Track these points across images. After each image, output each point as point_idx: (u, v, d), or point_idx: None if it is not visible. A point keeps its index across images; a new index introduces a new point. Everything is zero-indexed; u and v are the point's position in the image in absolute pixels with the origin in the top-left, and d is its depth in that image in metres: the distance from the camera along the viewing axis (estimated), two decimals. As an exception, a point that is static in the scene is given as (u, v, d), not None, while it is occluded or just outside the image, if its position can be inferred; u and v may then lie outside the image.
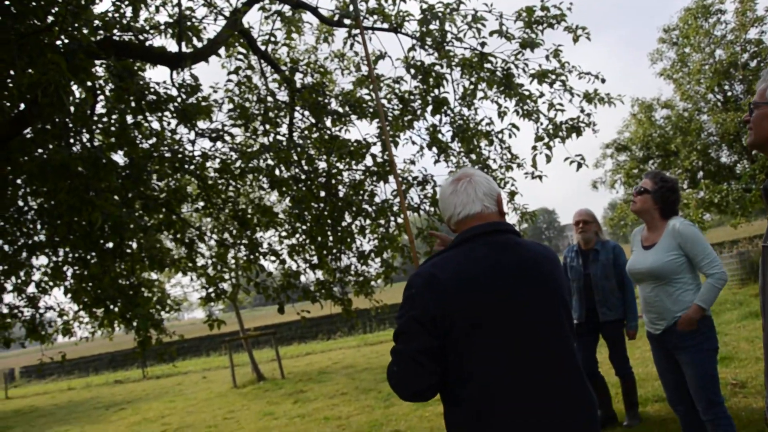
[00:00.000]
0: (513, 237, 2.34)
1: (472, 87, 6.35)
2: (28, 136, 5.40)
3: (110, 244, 5.76)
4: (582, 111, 6.42)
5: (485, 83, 6.27)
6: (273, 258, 6.55)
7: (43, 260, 7.42)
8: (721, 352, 8.30)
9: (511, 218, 7.04)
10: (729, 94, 17.95)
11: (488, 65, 6.21)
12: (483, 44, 6.18)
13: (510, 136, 6.59)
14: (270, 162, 6.16)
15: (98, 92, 5.33)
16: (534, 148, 6.33)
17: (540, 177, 6.63)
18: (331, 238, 6.42)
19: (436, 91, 6.20)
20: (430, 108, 6.20)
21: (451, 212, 2.40)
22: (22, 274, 6.96)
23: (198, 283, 6.83)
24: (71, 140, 5.54)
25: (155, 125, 5.49)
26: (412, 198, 6.64)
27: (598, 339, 6.25)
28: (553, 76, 6.23)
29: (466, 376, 2.15)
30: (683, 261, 4.33)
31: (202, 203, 6.49)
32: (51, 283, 6.55)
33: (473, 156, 6.76)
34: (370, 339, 23.26)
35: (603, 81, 6.26)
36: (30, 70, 3.89)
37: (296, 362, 19.71)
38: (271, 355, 20.54)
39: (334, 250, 6.61)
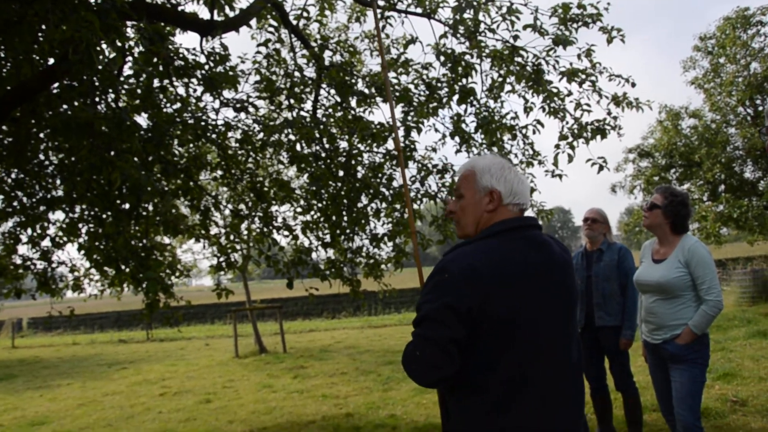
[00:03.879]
0: (541, 234, 2.36)
1: (500, 79, 6.30)
2: (54, 91, 5.42)
3: (126, 205, 5.79)
4: (609, 113, 6.35)
5: (514, 77, 6.22)
6: (286, 233, 6.57)
7: (59, 215, 7.48)
8: (725, 369, 8.24)
9: (527, 215, 7.00)
10: (760, 108, 17.64)
11: (519, 59, 6.15)
12: (516, 37, 6.12)
13: (534, 132, 6.53)
14: (292, 137, 6.16)
15: (127, 54, 5.33)
16: (557, 146, 6.28)
17: (560, 176, 6.58)
18: (345, 218, 6.42)
19: (464, 81, 6.15)
20: (456, 97, 6.16)
21: (512, 197, 2.34)
22: (37, 227, 7.03)
23: (209, 251, 6.89)
24: (96, 99, 5.56)
25: (180, 91, 5.49)
26: (429, 185, 6.62)
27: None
28: (583, 76, 6.16)
29: (489, 367, 2.14)
30: (690, 279, 4.37)
31: (220, 172, 6.50)
32: (65, 239, 6.61)
33: (495, 149, 6.72)
34: (374, 321, 23.34)
35: (633, 85, 6.18)
36: (62, 26, 3.90)
37: (299, 338, 19.84)
38: (275, 328, 20.67)
39: (348, 231, 6.61)
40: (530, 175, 6.96)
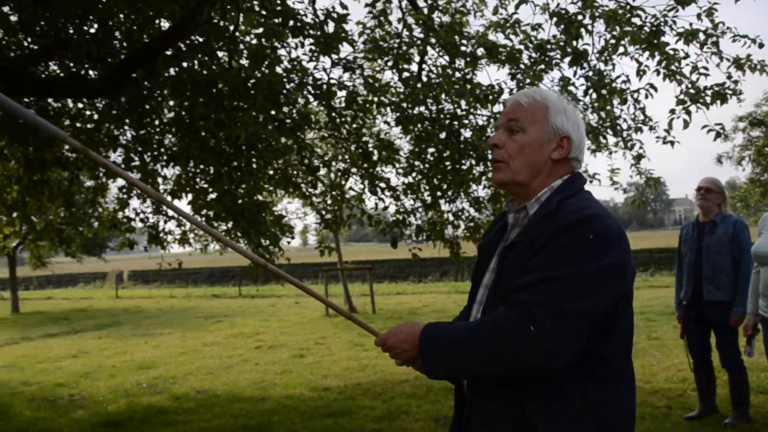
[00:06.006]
0: None
1: (614, 41, 6.06)
2: (168, 52, 5.63)
3: (235, 163, 6.00)
4: (729, 77, 6.01)
5: (629, 38, 5.96)
6: (389, 193, 6.64)
7: (168, 171, 7.78)
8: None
9: (636, 182, 6.88)
10: None
11: (636, 20, 5.89)
12: (634, -5, 5.86)
13: (646, 97, 6.28)
14: (397, 98, 6.18)
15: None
16: (672, 111, 6.02)
17: (672, 143, 6.35)
18: (448, 180, 6.41)
19: (575, 42, 5.95)
20: (567, 59, 5.98)
21: (578, 150, 1.91)
22: (151, 182, 7.40)
23: (303, 211, 7.05)
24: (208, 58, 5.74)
25: (293, 50, 5.59)
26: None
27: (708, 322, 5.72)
28: (704, 37, 5.85)
29: (620, 348, 1.79)
30: None
31: (329, 132, 6.61)
32: (178, 194, 6.92)
33: (602, 114, 6.53)
34: (461, 287, 23.35)
35: (761, 46, 5.82)
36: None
37: (387, 300, 20.11)
38: (363, 289, 21.07)
39: (449, 192, 6.61)
40: (638, 141, 6.74)
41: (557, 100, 1.89)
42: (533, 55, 6.08)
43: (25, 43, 6.87)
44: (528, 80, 6.06)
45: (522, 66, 6.11)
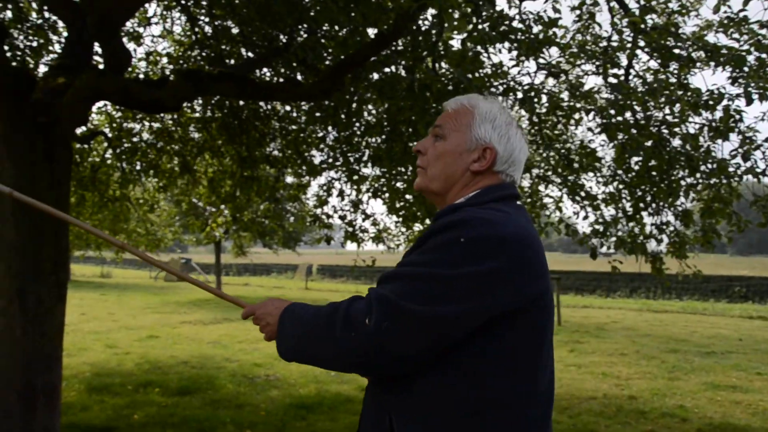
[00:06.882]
0: None
1: None
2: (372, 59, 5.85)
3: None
4: None
5: None
6: (587, 202, 6.40)
7: (369, 170, 8.11)
8: None
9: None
10: None
11: None
12: None
13: None
14: (602, 103, 5.93)
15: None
16: None
17: None
18: (653, 191, 6.03)
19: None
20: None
21: (508, 164, 1.71)
22: (351, 181, 7.75)
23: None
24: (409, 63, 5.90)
25: (494, 54, 5.58)
26: (756, 161, 5.92)
27: None
28: None
29: (506, 374, 1.52)
30: None
31: (530, 137, 6.53)
32: (378, 194, 7.19)
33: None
34: (653, 305, 21.94)
35: None
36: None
37: (572, 312, 19.46)
38: (547, 300, 20.49)
39: (653, 204, 6.23)
40: None
41: (488, 108, 1.73)
42: (762, 56, 5.52)
43: (243, 52, 7.53)
44: (752, 84, 5.53)
45: (746, 69, 5.58)
